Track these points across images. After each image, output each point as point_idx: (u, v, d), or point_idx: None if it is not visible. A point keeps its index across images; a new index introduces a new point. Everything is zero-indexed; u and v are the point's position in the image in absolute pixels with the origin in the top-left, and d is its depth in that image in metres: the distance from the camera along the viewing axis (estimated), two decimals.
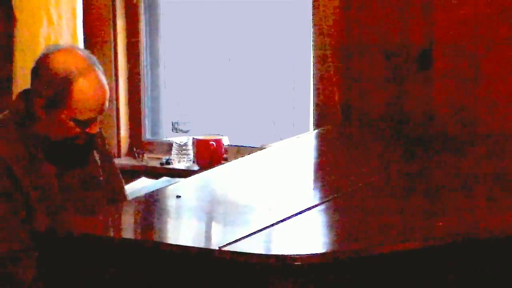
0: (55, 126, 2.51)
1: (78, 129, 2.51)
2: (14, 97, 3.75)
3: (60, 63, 2.48)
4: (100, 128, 2.66)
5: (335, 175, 2.71)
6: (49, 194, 2.53)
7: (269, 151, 3.11)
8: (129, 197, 2.82)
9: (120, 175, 2.85)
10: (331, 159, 3.00)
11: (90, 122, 2.52)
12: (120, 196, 2.78)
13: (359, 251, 1.92)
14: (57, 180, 2.56)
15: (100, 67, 2.55)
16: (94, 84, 2.49)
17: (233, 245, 1.91)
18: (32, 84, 2.54)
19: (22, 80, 3.77)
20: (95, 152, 2.69)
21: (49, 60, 2.50)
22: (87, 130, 2.53)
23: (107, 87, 2.54)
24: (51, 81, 2.47)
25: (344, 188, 2.49)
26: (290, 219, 2.11)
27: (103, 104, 2.52)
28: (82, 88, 2.47)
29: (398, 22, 3.39)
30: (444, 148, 3.05)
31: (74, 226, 2.26)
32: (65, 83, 2.46)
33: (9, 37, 3.86)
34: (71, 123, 2.50)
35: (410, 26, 3.37)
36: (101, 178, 2.69)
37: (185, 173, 3.67)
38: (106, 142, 2.82)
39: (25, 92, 2.59)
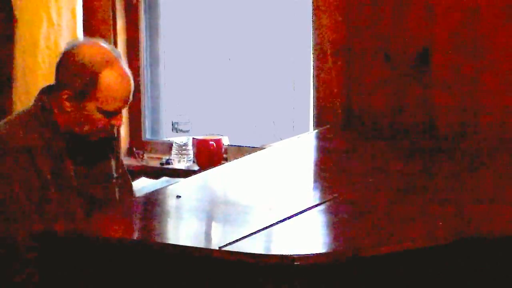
0: (81, 118, 2.54)
1: (104, 121, 2.55)
2: (14, 96, 3.80)
3: (86, 55, 2.53)
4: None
5: (335, 175, 2.71)
6: (67, 188, 2.56)
7: (269, 151, 3.11)
8: None
9: (131, 181, 2.88)
10: (331, 159, 3.00)
11: (115, 113, 2.56)
12: (130, 195, 2.81)
13: (359, 251, 1.92)
14: (75, 175, 2.59)
15: (124, 59, 2.61)
16: (120, 74, 2.54)
17: (233, 245, 1.91)
18: (57, 77, 2.58)
19: (22, 80, 3.78)
20: (110, 154, 2.72)
21: (75, 53, 2.54)
22: (112, 121, 2.57)
23: (132, 79, 2.59)
24: (78, 72, 2.51)
25: (344, 188, 2.49)
26: (290, 219, 2.12)
27: (128, 95, 2.57)
28: (109, 79, 2.51)
29: (398, 23, 3.39)
30: (444, 148, 3.05)
31: (74, 226, 2.27)
32: (92, 74, 2.50)
33: (9, 37, 3.85)
34: (98, 115, 2.54)
35: (410, 27, 3.37)
36: (114, 175, 2.72)
37: (185, 173, 3.67)
38: (119, 142, 2.85)
39: (48, 87, 2.63)
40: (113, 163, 2.73)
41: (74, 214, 2.53)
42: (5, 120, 2.64)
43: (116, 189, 2.72)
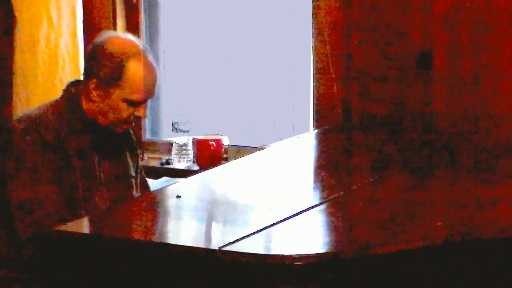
0: (106, 107, 2.62)
1: (128, 111, 2.62)
2: (14, 96, 3.80)
3: (115, 45, 2.63)
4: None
5: (335, 175, 2.71)
6: (93, 179, 2.62)
7: (269, 151, 3.11)
8: None
9: (148, 183, 2.96)
10: (331, 159, 3.00)
11: (139, 103, 2.63)
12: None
13: (359, 251, 1.92)
14: (99, 167, 2.65)
15: (152, 54, 2.71)
16: (147, 66, 2.64)
17: (233, 245, 1.91)
18: (86, 67, 2.69)
19: (22, 80, 3.77)
20: (128, 153, 2.79)
21: (105, 43, 2.64)
22: (136, 112, 2.64)
23: (158, 72, 2.68)
24: (106, 61, 2.61)
25: (344, 188, 2.49)
26: (290, 219, 2.11)
27: (153, 86, 2.66)
28: (135, 69, 2.60)
29: (398, 23, 3.39)
30: (444, 148, 3.05)
31: (74, 226, 2.26)
32: (119, 63, 2.60)
33: (9, 37, 3.85)
34: (122, 104, 2.61)
35: (410, 27, 3.37)
36: (132, 173, 2.79)
37: (185, 173, 3.67)
38: (135, 141, 2.91)
39: (76, 81, 2.72)
40: (129, 160, 2.79)
41: (98, 206, 2.57)
42: (33, 110, 2.71)
43: (134, 188, 2.75)
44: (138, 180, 2.84)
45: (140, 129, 4.17)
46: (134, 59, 2.61)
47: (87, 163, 2.60)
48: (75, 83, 2.71)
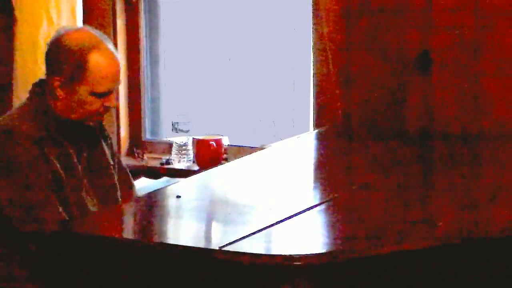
0: (75, 103, 2.59)
1: (97, 103, 2.60)
2: (14, 96, 3.80)
3: (73, 40, 2.60)
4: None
5: (335, 175, 2.71)
6: (75, 176, 2.60)
7: (269, 151, 3.11)
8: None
9: (130, 175, 2.91)
10: (331, 159, 3.00)
11: (107, 94, 2.61)
12: (130, 192, 2.85)
13: (359, 251, 1.92)
14: (78, 163, 2.63)
15: (111, 42, 2.67)
16: (107, 55, 2.60)
17: (233, 245, 1.91)
18: (47, 67, 2.65)
19: (22, 80, 3.77)
20: (103, 142, 2.76)
21: (61, 39, 2.61)
22: (106, 103, 2.61)
23: (119, 59, 2.65)
24: (66, 58, 2.58)
25: (344, 188, 2.49)
26: (290, 219, 2.12)
27: (117, 74, 2.63)
28: (97, 60, 2.57)
29: (398, 23, 3.38)
30: (444, 148, 3.05)
31: (74, 226, 2.27)
32: (80, 57, 2.56)
33: (9, 37, 3.85)
34: (90, 97, 2.59)
35: (410, 27, 3.37)
36: (111, 162, 2.76)
37: (185, 173, 3.67)
38: (110, 138, 2.89)
39: (41, 80, 2.68)
40: (106, 149, 2.76)
41: (85, 203, 2.57)
42: (4, 116, 2.68)
43: (114, 175, 2.75)
44: (118, 170, 2.81)
45: (140, 129, 4.17)
46: (94, 50, 2.57)
47: (67, 161, 2.58)
48: (39, 84, 2.67)
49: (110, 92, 2.61)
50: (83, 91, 2.58)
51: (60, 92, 2.59)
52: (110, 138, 2.85)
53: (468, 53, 3.29)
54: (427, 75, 3.35)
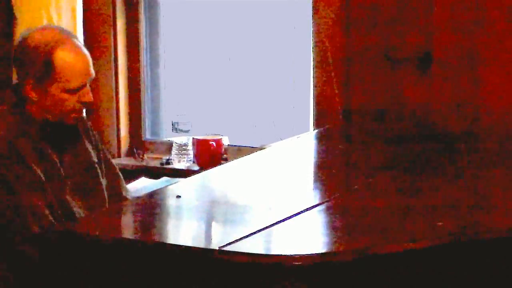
0: (49, 103, 2.55)
1: (72, 100, 2.56)
2: None
3: (36, 40, 2.55)
4: (89, 123, 2.76)
5: (335, 175, 2.71)
6: (57, 178, 2.56)
7: (269, 151, 3.11)
8: (129, 197, 2.83)
9: (120, 175, 2.86)
10: (331, 159, 3.00)
11: (81, 89, 2.57)
12: (118, 194, 2.81)
13: (359, 251, 1.92)
14: (60, 164, 2.60)
15: (77, 37, 2.64)
16: (74, 50, 2.56)
17: (233, 245, 1.91)
18: (17, 71, 2.62)
19: None
20: (86, 141, 2.72)
21: (26, 41, 2.57)
22: (81, 99, 2.57)
23: (87, 52, 2.60)
24: (33, 58, 2.54)
25: (344, 188, 2.49)
26: (290, 219, 2.11)
27: (87, 67, 2.58)
28: (64, 56, 2.53)
29: (398, 23, 3.39)
30: (444, 148, 3.05)
31: (74, 226, 2.27)
32: (46, 55, 2.52)
33: (9, 37, 3.85)
34: (64, 95, 2.55)
35: (410, 27, 3.37)
36: (95, 159, 2.72)
37: (185, 173, 3.67)
38: (98, 136, 2.85)
39: (16, 84, 2.64)
40: (90, 148, 2.72)
41: (70, 205, 2.54)
42: None
43: (100, 174, 2.72)
44: (103, 165, 2.77)
45: (140, 129, 4.17)
46: (59, 47, 2.53)
47: (48, 165, 2.54)
48: (13, 87, 2.63)
49: (83, 87, 2.57)
50: (55, 90, 2.53)
51: (33, 95, 2.54)
52: (95, 135, 2.80)
53: (468, 53, 3.29)
54: (427, 74, 3.35)
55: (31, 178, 2.49)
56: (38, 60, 2.52)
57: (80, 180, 2.64)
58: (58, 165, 2.58)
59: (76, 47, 2.57)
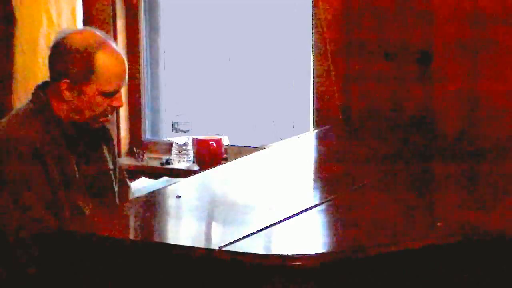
0: (82, 104, 2.56)
1: (105, 103, 2.57)
2: (14, 96, 3.80)
3: (78, 41, 2.57)
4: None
5: (335, 175, 2.71)
6: (73, 183, 2.57)
7: (269, 151, 3.11)
8: (130, 196, 2.84)
9: (129, 183, 2.91)
10: (331, 159, 3.00)
11: (114, 93, 2.59)
12: (126, 187, 2.84)
13: (359, 251, 1.92)
14: (77, 169, 2.60)
15: (114, 41, 2.66)
16: (114, 54, 2.58)
17: (233, 245, 1.91)
18: (53, 69, 2.60)
19: (22, 80, 3.78)
20: (105, 148, 2.74)
21: (65, 41, 2.57)
22: (113, 103, 2.59)
23: (125, 58, 2.63)
24: (73, 59, 2.54)
25: (344, 188, 2.49)
26: (290, 219, 2.12)
27: (124, 73, 2.61)
28: (105, 59, 2.55)
29: (398, 22, 3.39)
30: (444, 148, 3.05)
31: (75, 226, 2.27)
32: (87, 57, 2.54)
33: (9, 37, 3.85)
34: (98, 98, 2.56)
35: (410, 26, 3.37)
36: (110, 166, 2.74)
37: (185, 173, 3.67)
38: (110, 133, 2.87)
39: (44, 83, 2.64)
40: (107, 154, 2.73)
41: (81, 208, 2.55)
42: (4, 120, 2.63)
43: (114, 181, 2.73)
44: (117, 174, 2.79)
45: (140, 129, 4.17)
46: (101, 49, 2.55)
47: (65, 168, 2.54)
48: (43, 86, 2.63)
49: (117, 91, 2.59)
50: (92, 91, 2.54)
51: (67, 94, 2.55)
52: (114, 145, 2.82)
53: (468, 53, 3.29)
54: (427, 73, 3.35)
55: (45, 179, 2.49)
56: (78, 60, 2.53)
57: (93, 187, 2.64)
58: (75, 169, 2.58)
59: (116, 52, 2.59)
